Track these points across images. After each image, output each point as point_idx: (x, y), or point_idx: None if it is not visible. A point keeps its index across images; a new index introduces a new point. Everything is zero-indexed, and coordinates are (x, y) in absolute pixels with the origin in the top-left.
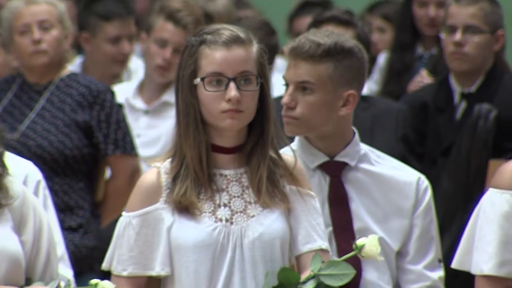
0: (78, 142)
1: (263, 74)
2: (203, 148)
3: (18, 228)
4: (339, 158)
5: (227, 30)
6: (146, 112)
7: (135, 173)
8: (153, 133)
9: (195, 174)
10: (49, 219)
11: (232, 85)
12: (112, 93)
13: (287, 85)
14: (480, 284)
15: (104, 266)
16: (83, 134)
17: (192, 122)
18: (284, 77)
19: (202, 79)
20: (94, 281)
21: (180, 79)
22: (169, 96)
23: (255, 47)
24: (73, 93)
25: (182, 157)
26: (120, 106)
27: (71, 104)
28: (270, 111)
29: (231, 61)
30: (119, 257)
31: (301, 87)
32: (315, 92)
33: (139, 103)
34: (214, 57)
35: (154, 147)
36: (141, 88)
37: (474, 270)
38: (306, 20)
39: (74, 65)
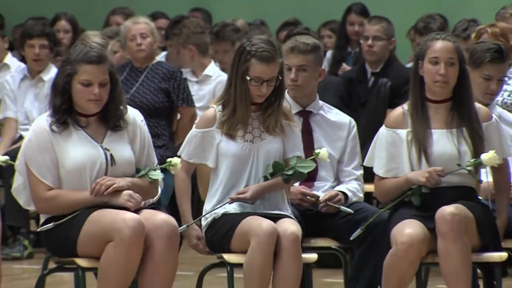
0: (162, 99)
1: (281, 72)
2: (244, 102)
3: (131, 141)
4: (308, 108)
5: (268, 50)
6: (197, 82)
7: (194, 116)
8: (200, 94)
9: (235, 114)
10: (148, 139)
11: (265, 84)
12: (180, 72)
13: (290, 68)
14: (377, 179)
15: (179, 153)
16: (165, 95)
17: (243, 92)
18: (287, 64)
19: (250, 80)
20: (170, 159)
21: (235, 70)
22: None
23: (280, 60)
24: (159, 72)
25: (229, 103)
26: (185, 78)
27: (158, 79)
28: (282, 90)
29: (267, 72)
30: (188, 150)
31: (300, 68)
32: (307, 71)
33: (192, 77)
34: (257, 69)
35: (202, 102)
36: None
37: (375, 171)
38: (284, 32)
39: (159, 57)
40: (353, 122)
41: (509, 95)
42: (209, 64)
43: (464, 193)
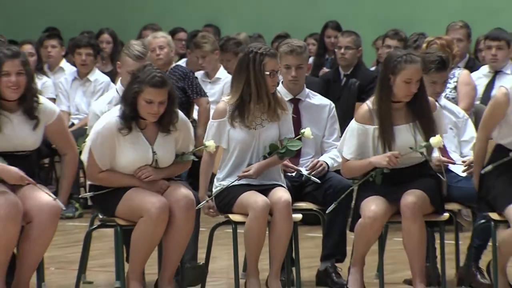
0: (180, 95)
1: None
2: (265, 93)
3: (176, 142)
4: (298, 96)
5: (273, 49)
6: (210, 82)
7: (208, 104)
8: (212, 92)
9: (244, 107)
10: (189, 135)
11: (276, 75)
12: (192, 72)
13: (289, 67)
14: (343, 160)
15: (204, 141)
16: (182, 92)
17: (262, 86)
18: (286, 64)
19: (269, 73)
20: (206, 142)
21: (251, 70)
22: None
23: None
24: (176, 74)
25: (238, 98)
26: (196, 77)
27: (175, 79)
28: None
29: (278, 65)
30: (209, 138)
31: (298, 67)
32: (303, 68)
33: (206, 78)
34: (272, 64)
35: (213, 97)
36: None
37: (345, 155)
38: (276, 44)
39: (181, 62)
40: (332, 104)
41: (450, 91)
42: (219, 68)
43: (418, 169)
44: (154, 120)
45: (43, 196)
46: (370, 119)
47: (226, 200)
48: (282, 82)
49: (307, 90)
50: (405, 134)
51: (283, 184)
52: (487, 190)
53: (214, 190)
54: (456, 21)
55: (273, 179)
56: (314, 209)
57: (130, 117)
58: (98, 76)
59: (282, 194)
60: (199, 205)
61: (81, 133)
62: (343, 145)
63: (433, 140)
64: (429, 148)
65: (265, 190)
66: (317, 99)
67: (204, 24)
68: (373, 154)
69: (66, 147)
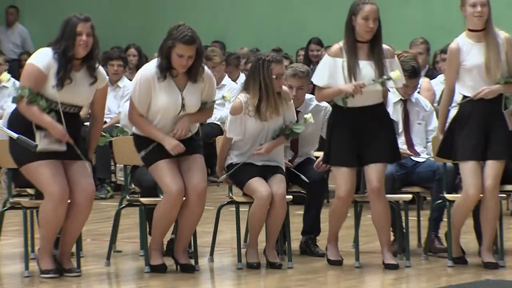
0: None
1: None
2: (272, 94)
3: (202, 91)
4: (298, 109)
5: (279, 56)
6: (217, 88)
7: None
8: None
9: (261, 104)
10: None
11: (281, 78)
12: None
13: (291, 87)
14: (317, 88)
15: (227, 135)
16: None
17: (270, 88)
18: (289, 84)
19: (275, 77)
20: (223, 94)
21: (261, 75)
22: (225, 81)
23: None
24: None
25: (258, 98)
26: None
27: None
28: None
29: (282, 70)
30: (232, 130)
31: (299, 88)
32: (303, 89)
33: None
34: (278, 68)
35: (218, 100)
36: None
37: (317, 83)
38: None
39: None
40: (329, 107)
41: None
42: (225, 76)
43: (377, 112)
44: (184, 71)
45: (83, 181)
46: (339, 54)
47: (239, 179)
48: None
49: (306, 100)
50: (368, 68)
51: (282, 166)
52: (451, 141)
53: (228, 162)
54: (418, 37)
55: (275, 161)
56: (301, 192)
57: (165, 68)
58: (126, 83)
59: (279, 185)
60: (220, 179)
61: (111, 129)
62: (318, 76)
63: (393, 74)
64: (385, 81)
65: (268, 171)
66: (315, 104)
67: (212, 40)
68: (342, 83)
69: (100, 111)
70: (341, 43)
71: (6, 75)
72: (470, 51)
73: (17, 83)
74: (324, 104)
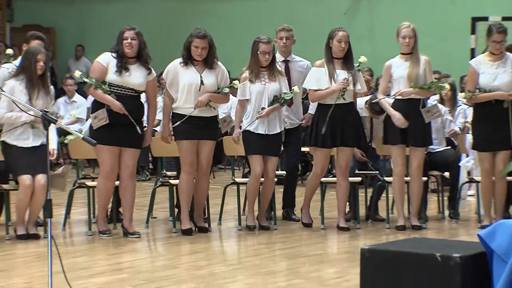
0: None
1: (273, 50)
2: (257, 66)
3: (217, 76)
4: (288, 58)
5: (267, 38)
6: None
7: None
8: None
9: (251, 70)
10: (226, 76)
11: (267, 55)
12: None
13: (281, 38)
14: (311, 91)
15: (238, 97)
16: None
17: (257, 61)
18: (280, 36)
19: (259, 53)
20: (234, 81)
21: (253, 52)
22: None
23: (272, 44)
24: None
25: (251, 69)
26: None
27: None
28: (275, 60)
29: (268, 48)
30: (241, 93)
31: (287, 38)
32: (290, 39)
33: None
34: (263, 47)
35: None
36: None
37: (310, 87)
38: None
39: None
40: (309, 63)
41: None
42: None
43: (349, 108)
44: (200, 59)
45: (129, 162)
46: (322, 66)
47: (246, 146)
48: (278, 51)
49: (293, 55)
50: (342, 75)
51: (282, 132)
52: (387, 127)
53: (243, 126)
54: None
55: (275, 128)
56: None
57: (186, 57)
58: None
59: (272, 167)
60: (233, 136)
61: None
62: (309, 82)
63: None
64: (357, 73)
65: (268, 139)
66: (299, 60)
67: None
68: (326, 86)
69: (152, 100)
70: (323, 60)
71: (74, 93)
72: (399, 67)
73: (83, 99)
74: (305, 61)
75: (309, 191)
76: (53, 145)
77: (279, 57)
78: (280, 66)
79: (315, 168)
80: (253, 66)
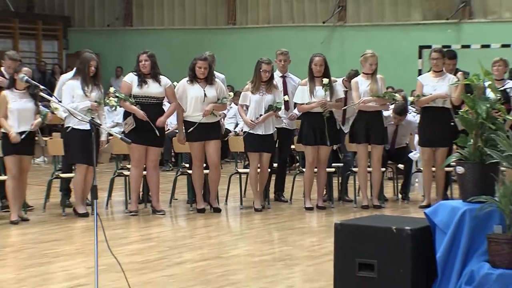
0: None
1: (272, 69)
2: (259, 80)
3: (216, 90)
4: (285, 75)
5: (267, 59)
6: None
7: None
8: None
9: (254, 84)
10: (223, 90)
11: (267, 73)
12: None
13: (280, 60)
14: (298, 105)
15: (240, 103)
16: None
17: (259, 77)
18: (280, 59)
19: (262, 71)
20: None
21: (257, 69)
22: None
23: (272, 65)
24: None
25: (255, 83)
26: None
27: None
28: (273, 77)
29: (268, 68)
30: (243, 101)
31: (284, 60)
32: (287, 61)
33: None
34: (264, 67)
35: None
36: None
37: (297, 101)
38: None
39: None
40: (299, 80)
41: None
42: None
43: (330, 117)
44: (203, 77)
45: (152, 158)
46: (306, 84)
47: (247, 144)
48: (277, 69)
49: (289, 72)
50: (320, 90)
51: (274, 134)
52: (353, 129)
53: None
54: None
55: (270, 130)
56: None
57: (192, 76)
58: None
59: (266, 162)
60: (245, 132)
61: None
62: (296, 97)
63: (324, 80)
64: (331, 89)
65: (264, 139)
66: (293, 77)
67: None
68: (308, 100)
69: (172, 98)
70: (307, 79)
71: (113, 101)
72: (362, 84)
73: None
74: (296, 78)
75: (306, 182)
76: (102, 137)
77: (278, 74)
78: (278, 81)
79: (307, 158)
80: (255, 80)
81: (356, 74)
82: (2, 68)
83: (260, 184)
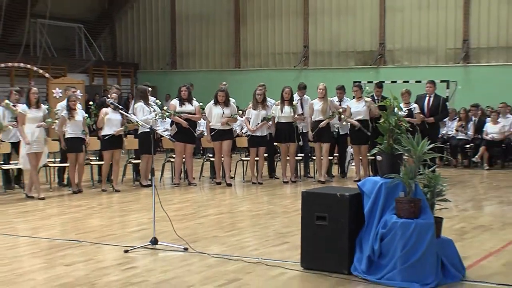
0: None
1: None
2: (256, 100)
3: (230, 108)
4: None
5: (261, 85)
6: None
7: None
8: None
9: (253, 104)
10: (234, 109)
11: (261, 96)
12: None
13: (261, 91)
14: (273, 118)
15: (246, 116)
16: None
17: (256, 99)
18: (261, 90)
19: (257, 95)
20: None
21: (254, 94)
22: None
23: (265, 88)
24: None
25: (254, 103)
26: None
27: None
28: (266, 97)
29: (262, 91)
30: (248, 116)
31: (261, 90)
32: (263, 91)
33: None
34: (258, 90)
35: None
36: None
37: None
38: None
39: None
40: (274, 101)
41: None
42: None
43: (290, 124)
44: (222, 101)
45: (188, 151)
46: (278, 104)
47: (250, 143)
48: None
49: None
50: (287, 108)
51: (267, 135)
52: (316, 132)
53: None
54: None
55: (264, 133)
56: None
57: (215, 100)
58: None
59: (261, 155)
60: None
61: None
62: (275, 112)
63: (292, 103)
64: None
65: (260, 139)
66: (269, 100)
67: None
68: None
69: (198, 113)
70: (279, 101)
71: (165, 114)
72: (316, 105)
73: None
74: (273, 101)
75: (282, 165)
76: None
77: (271, 100)
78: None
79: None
80: (253, 101)
81: (305, 87)
82: (109, 95)
83: (258, 167)
